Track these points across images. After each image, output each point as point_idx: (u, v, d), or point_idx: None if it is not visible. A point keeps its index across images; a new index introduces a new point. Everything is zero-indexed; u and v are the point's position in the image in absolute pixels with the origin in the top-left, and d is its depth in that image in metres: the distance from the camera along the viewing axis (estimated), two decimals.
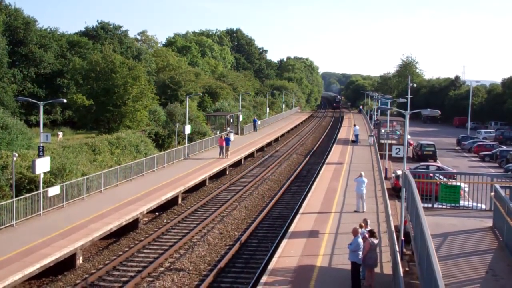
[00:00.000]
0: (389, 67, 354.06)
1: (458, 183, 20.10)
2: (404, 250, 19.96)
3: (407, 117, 22.30)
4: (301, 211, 25.71)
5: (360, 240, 15.62)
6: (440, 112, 23.42)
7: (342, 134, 68.76)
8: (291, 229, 22.37)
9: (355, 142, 57.58)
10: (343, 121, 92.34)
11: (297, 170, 42.58)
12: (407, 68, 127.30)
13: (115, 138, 39.46)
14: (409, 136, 55.78)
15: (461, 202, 20.03)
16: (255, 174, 40.40)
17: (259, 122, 71.59)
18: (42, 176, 24.14)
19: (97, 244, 22.88)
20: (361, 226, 16.86)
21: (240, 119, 64.10)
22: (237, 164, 44.45)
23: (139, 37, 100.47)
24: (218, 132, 56.05)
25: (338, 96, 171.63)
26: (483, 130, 77.57)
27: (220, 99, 74.92)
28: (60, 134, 48.59)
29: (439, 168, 38.62)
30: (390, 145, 41.87)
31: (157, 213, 28.37)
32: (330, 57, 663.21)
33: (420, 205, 14.99)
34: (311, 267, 17.62)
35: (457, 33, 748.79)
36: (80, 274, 19.31)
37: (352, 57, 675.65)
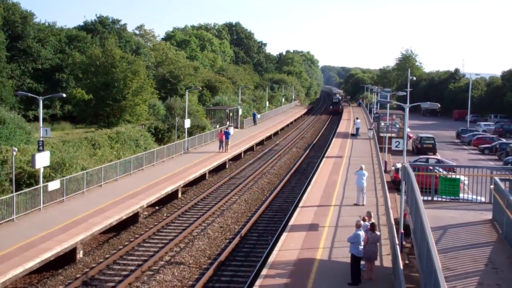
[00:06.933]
0: (389, 60, 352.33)
1: (458, 176, 20.13)
2: (404, 243, 20.00)
3: (407, 110, 22.29)
4: (301, 204, 25.74)
5: (360, 232, 15.65)
6: (439, 105, 23.46)
7: (342, 127, 68.74)
8: (291, 222, 22.40)
9: (354, 135, 57.59)
10: (342, 114, 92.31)
11: (296, 164, 42.59)
12: (406, 61, 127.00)
13: (115, 132, 39.45)
14: (408, 129, 55.68)
15: (461, 195, 20.08)
16: (255, 167, 40.42)
17: (258, 116, 71.54)
18: (42, 170, 24.14)
19: (97, 238, 22.92)
20: (364, 220, 16.87)
21: (240, 113, 64.04)
22: (236, 158, 44.46)
23: (137, 32, 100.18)
24: (217, 126, 56.02)
25: (337, 95, 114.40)
26: (482, 123, 77.46)
27: (219, 93, 74.81)
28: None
29: (438, 161, 38.63)
30: (390, 138, 41.88)
31: (157, 207, 28.39)
32: (329, 51, 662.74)
33: (420, 198, 15.02)
34: (311, 260, 17.65)
35: (457, 26, 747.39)
36: (81, 268, 19.35)
37: (352, 50, 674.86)
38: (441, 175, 20.05)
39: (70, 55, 57.36)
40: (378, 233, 16.21)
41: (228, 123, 58.22)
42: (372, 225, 16.15)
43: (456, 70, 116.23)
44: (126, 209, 24.27)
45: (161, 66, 75.85)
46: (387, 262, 17.34)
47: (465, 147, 59.00)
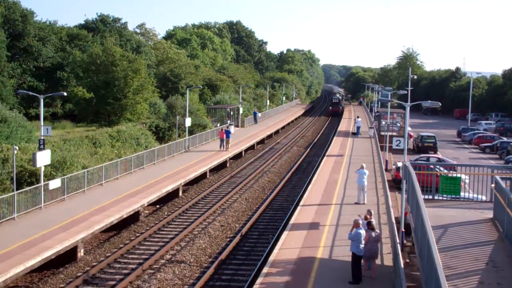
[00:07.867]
0: (390, 59, 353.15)
1: (459, 175, 20.11)
2: (405, 241, 20.00)
3: (408, 109, 22.26)
4: (301, 203, 25.75)
5: (361, 231, 15.64)
6: (440, 104, 23.40)
7: (343, 126, 68.72)
8: (292, 221, 22.41)
9: (355, 134, 57.58)
10: (343, 113, 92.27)
11: (297, 162, 42.59)
12: (407, 60, 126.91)
13: (116, 131, 39.48)
14: (409, 128, 55.68)
15: (462, 194, 20.07)
16: (255, 166, 40.42)
17: (259, 114, 71.51)
18: (42, 169, 24.17)
19: (98, 237, 22.94)
20: (366, 218, 16.85)
21: (241, 111, 64.05)
22: (237, 156, 44.46)
23: (138, 30, 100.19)
24: (218, 125, 56.02)
25: (338, 94, 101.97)
26: (483, 122, 77.38)
27: (220, 91, 74.81)
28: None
29: (439, 160, 38.59)
30: (391, 137, 41.80)
31: (157, 206, 28.41)
32: (330, 49, 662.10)
33: (421, 196, 15.01)
34: (312, 259, 17.66)
35: (458, 25, 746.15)
36: (82, 266, 19.37)
37: (353, 49, 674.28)
38: (442, 174, 20.03)
39: (71, 54, 57.38)
40: (377, 231, 16.20)
41: (229, 121, 58.23)
42: (369, 223, 16.13)
43: (457, 69, 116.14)
44: (127, 207, 24.28)
45: (162, 65, 75.84)
46: (388, 261, 17.34)
47: (466, 146, 58.94)
